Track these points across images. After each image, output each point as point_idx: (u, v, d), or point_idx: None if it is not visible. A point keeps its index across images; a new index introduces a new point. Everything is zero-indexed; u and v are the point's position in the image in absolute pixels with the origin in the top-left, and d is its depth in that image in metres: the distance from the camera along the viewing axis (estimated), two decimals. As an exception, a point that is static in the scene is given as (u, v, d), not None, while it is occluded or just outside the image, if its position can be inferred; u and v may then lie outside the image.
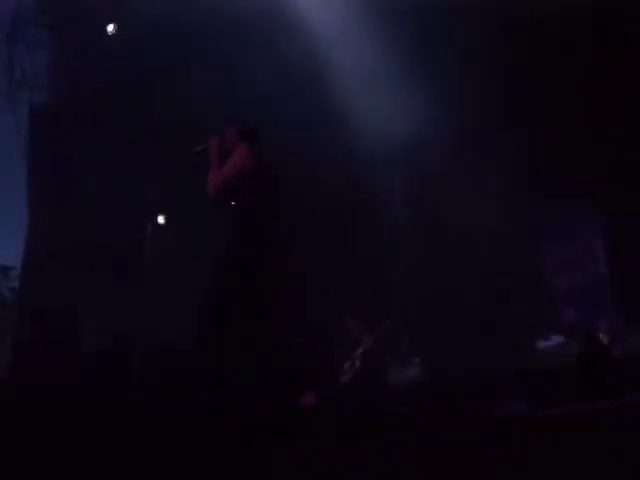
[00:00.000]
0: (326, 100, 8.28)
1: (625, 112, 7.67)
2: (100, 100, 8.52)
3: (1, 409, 2.15)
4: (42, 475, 1.94)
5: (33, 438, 1.94)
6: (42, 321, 6.88)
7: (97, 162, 8.28)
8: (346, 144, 8.52)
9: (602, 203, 8.84)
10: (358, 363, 7.70)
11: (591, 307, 8.86)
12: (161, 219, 8.27)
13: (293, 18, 8.09)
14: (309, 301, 7.86)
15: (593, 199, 9.00)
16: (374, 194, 9.35)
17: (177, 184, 8.25)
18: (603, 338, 6.98)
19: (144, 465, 2.12)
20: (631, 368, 4.40)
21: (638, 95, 7.44)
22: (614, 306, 8.45)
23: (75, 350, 6.78)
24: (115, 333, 7.39)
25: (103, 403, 2.26)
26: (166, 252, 8.41)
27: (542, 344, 7.54)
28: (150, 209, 8.24)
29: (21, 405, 2.05)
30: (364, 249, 9.57)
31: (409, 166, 9.11)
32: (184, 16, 8.21)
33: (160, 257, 8.27)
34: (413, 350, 8.55)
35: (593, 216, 9.15)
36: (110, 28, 8.09)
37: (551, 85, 8.11)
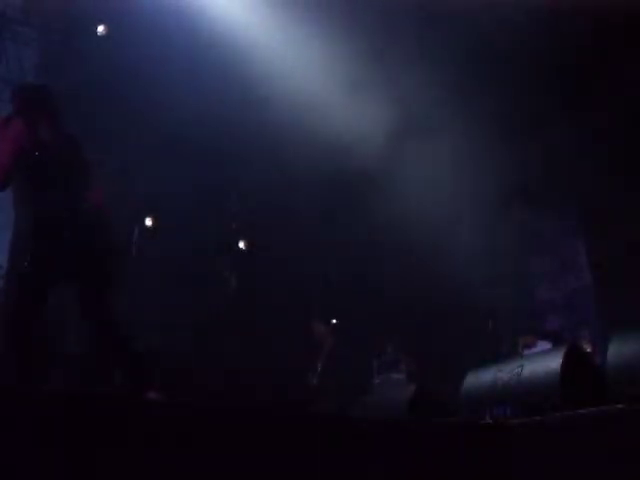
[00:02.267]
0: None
1: (611, 127, 7.77)
2: (87, 100, 8.48)
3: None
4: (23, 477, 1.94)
5: (13, 441, 1.93)
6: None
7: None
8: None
9: (587, 215, 8.95)
10: (322, 364, 7.77)
11: (575, 316, 8.96)
12: (148, 221, 8.25)
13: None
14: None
15: (578, 211, 9.12)
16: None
17: (165, 185, 8.24)
18: (586, 346, 7.05)
19: (129, 467, 2.13)
20: (610, 375, 4.45)
21: (624, 111, 7.54)
22: (597, 314, 8.55)
23: (60, 350, 6.72)
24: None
25: (87, 404, 2.25)
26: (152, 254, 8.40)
27: (527, 351, 7.59)
28: (137, 211, 8.22)
29: (4, 407, 2.04)
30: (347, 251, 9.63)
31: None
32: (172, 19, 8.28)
33: (145, 259, 8.26)
34: (398, 356, 8.59)
35: (578, 228, 9.26)
36: (100, 29, 8.08)
37: (536, 99, 8.19)
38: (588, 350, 6.89)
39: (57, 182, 3.70)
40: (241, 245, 9.65)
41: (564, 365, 4.28)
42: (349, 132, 8.38)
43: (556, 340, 7.78)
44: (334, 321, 8.25)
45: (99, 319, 3.75)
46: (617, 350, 3.85)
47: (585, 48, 7.52)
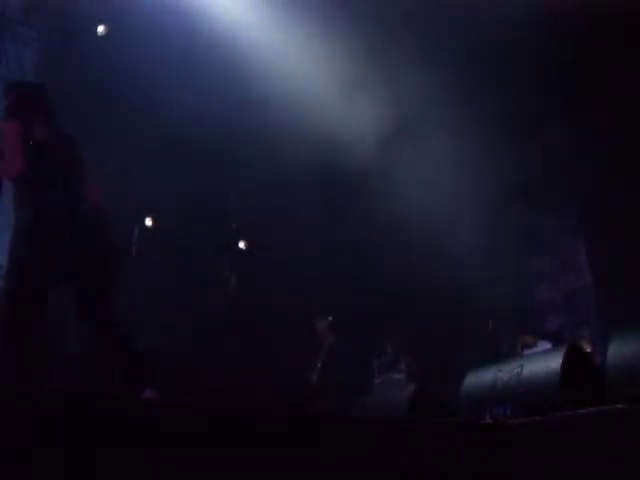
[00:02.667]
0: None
1: (611, 127, 7.77)
2: (87, 100, 8.48)
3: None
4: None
5: (13, 441, 1.93)
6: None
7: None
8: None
9: (587, 215, 8.95)
10: (321, 361, 7.76)
11: (575, 316, 8.96)
12: (149, 221, 8.24)
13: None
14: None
15: (578, 211, 9.12)
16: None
17: (165, 185, 8.24)
18: (586, 346, 7.05)
19: (129, 468, 2.12)
20: (610, 375, 4.45)
21: (624, 111, 7.54)
22: (597, 314, 8.55)
23: (59, 351, 6.71)
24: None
25: (87, 404, 2.24)
26: (152, 254, 8.40)
27: (527, 351, 7.59)
28: (137, 211, 8.21)
29: (4, 407, 2.04)
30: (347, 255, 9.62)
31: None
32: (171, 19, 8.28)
33: (145, 259, 8.26)
34: (398, 356, 8.59)
35: (578, 228, 9.26)
36: (100, 29, 8.09)
37: (536, 99, 8.18)
38: (588, 350, 6.88)
39: (56, 182, 3.69)
40: (241, 245, 9.65)
41: (564, 365, 4.28)
42: (349, 132, 8.38)
43: (556, 340, 7.78)
44: (330, 318, 8.22)
45: (99, 319, 3.74)
46: (617, 350, 3.84)
47: (585, 48, 7.52)
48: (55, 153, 3.74)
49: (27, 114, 3.76)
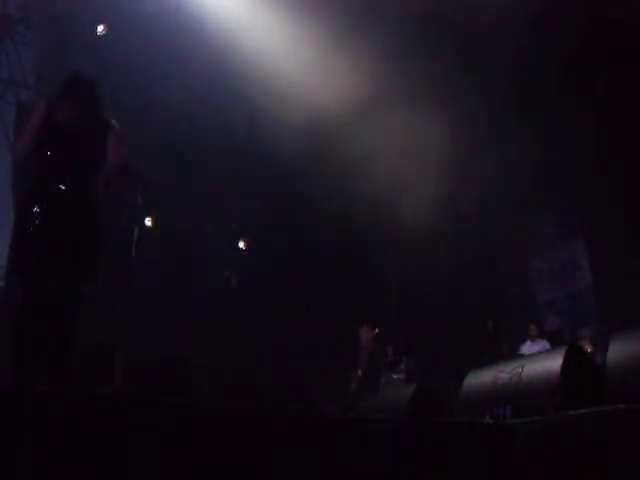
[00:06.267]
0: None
1: (610, 128, 7.78)
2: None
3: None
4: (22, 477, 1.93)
5: (13, 441, 1.93)
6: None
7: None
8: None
9: (586, 216, 8.96)
10: (360, 371, 7.72)
11: (575, 315, 8.96)
12: (148, 221, 8.22)
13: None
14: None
15: (578, 213, 9.12)
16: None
17: (166, 185, 8.24)
18: (586, 346, 7.05)
19: (126, 469, 2.12)
20: (610, 375, 4.45)
21: (622, 112, 7.55)
22: (597, 314, 8.55)
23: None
24: (99, 335, 7.34)
25: (87, 404, 2.24)
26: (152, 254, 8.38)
27: (527, 349, 7.60)
28: (137, 211, 8.19)
29: (4, 407, 2.04)
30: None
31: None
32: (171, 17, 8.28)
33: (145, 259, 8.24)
34: (399, 356, 8.59)
35: (578, 228, 9.27)
36: (100, 29, 8.09)
37: (536, 99, 8.18)
38: (588, 350, 6.88)
39: (60, 170, 3.65)
40: (241, 245, 9.65)
41: (564, 365, 4.27)
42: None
43: (556, 340, 7.78)
44: (377, 330, 8.15)
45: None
46: (617, 350, 3.84)
47: (585, 47, 7.52)
48: (73, 138, 3.69)
49: (60, 97, 3.74)
